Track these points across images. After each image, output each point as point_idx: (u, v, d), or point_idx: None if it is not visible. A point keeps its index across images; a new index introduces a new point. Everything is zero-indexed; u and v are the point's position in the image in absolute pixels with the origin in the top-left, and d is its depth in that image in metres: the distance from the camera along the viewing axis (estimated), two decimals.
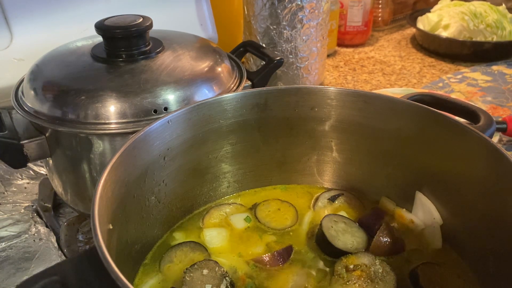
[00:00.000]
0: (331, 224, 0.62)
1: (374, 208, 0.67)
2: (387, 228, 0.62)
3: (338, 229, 0.61)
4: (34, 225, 0.76)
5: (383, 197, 0.68)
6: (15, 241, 0.73)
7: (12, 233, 0.74)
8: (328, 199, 0.69)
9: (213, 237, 0.63)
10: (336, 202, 0.69)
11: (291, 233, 0.65)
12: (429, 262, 0.59)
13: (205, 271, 0.55)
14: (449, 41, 1.42)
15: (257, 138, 0.69)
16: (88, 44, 0.75)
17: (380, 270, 0.55)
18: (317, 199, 0.70)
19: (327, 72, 1.35)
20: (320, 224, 0.62)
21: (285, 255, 0.60)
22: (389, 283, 0.54)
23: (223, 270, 0.56)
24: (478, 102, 1.17)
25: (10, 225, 0.76)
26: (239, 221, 0.66)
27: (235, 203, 0.70)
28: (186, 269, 0.55)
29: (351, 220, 0.64)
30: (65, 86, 0.67)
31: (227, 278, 0.55)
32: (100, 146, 0.65)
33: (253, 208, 0.69)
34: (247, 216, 0.67)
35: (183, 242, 0.62)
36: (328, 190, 0.72)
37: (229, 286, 0.54)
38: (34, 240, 0.73)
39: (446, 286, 0.56)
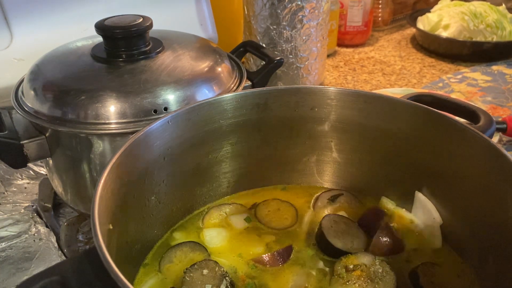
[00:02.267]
0: (331, 224, 0.62)
1: (374, 208, 0.67)
2: (387, 228, 0.62)
3: (338, 229, 0.61)
4: (34, 225, 0.76)
5: (383, 197, 0.68)
6: (15, 241, 0.73)
7: (12, 233, 0.74)
8: (328, 199, 0.69)
9: (213, 237, 0.63)
10: (336, 202, 0.69)
11: (291, 233, 0.65)
12: (429, 262, 0.59)
13: (205, 271, 0.55)
14: (449, 41, 1.42)
15: (257, 138, 0.69)
16: (88, 44, 0.75)
17: (380, 270, 0.55)
18: (317, 199, 0.70)
19: (327, 72, 1.35)
20: (320, 224, 0.62)
21: (285, 255, 0.60)
22: (389, 283, 0.54)
23: (223, 270, 0.56)
24: (478, 102, 1.17)
25: (10, 225, 0.76)
26: (239, 221, 0.66)
27: (235, 203, 0.70)
28: (186, 269, 0.55)
29: (351, 220, 0.64)
30: (65, 86, 0.67)
31: (227, 278, 0.55)
32: (100, 146, 0.65)
33: (253, 208, 0.69)
34: (247, 216, 0.67)
35: (183, 242, 0.62)
36: (328, 190, 0.72)
37: (229, 286, 0.54)
38: (34, 240, 0.73)
39: (446, 286, 0.56)
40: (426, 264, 0.58)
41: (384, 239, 0.60)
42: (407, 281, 0.56)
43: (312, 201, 0.70)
